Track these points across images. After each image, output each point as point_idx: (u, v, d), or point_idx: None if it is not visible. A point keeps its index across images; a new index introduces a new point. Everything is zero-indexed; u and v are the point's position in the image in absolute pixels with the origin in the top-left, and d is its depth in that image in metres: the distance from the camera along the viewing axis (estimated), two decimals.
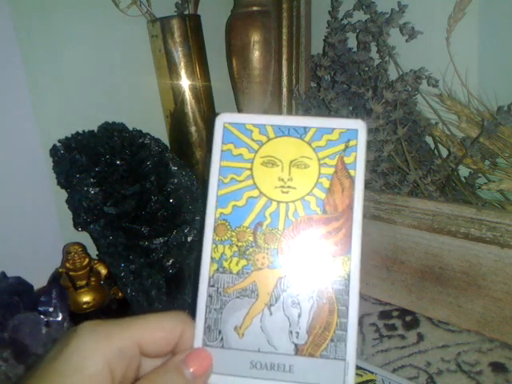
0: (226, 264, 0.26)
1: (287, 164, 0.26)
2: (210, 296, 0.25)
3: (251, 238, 0.26)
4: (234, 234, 0.26)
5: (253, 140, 0.27)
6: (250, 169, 0.27)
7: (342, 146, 0.26)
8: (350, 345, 0.24)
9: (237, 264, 0.26)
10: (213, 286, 0.25)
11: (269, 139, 0.27)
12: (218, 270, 0.26)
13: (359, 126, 0.26)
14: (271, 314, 0.25)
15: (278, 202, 0.26)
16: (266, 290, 0.25)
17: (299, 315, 0.25)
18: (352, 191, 0.26)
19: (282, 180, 0.26)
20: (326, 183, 0.26)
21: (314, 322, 0.24)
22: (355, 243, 0.25)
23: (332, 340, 0.24)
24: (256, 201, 0.26)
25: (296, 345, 0.24)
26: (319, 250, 0.25)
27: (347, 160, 0.26)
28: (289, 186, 0.26)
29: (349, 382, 0.24)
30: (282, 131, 0.27)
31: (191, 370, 0.24)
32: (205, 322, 0.25)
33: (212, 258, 0.26)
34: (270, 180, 0.26)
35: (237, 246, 0.26)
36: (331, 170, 0.26)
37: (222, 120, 0.27)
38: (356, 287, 0.25)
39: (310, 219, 0.26)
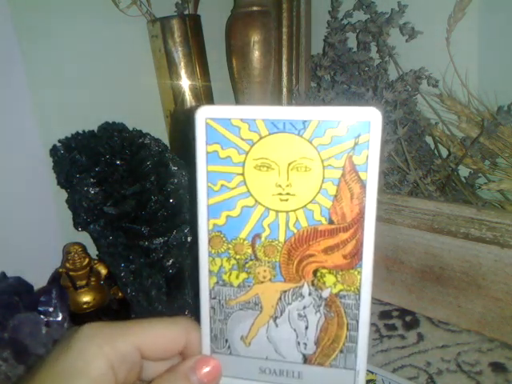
0: (225, 277, 0.24)
1: (285, 167, 0.23)
2: (212, 308, 0.24)
3: (250, 251, 0.24)
4: (230, 246, 0.24)
5: (242, 139, 0.23)
6: (242, 174, 0.23)
7: (351, 143, 0.22)
8: (361, 355, 0.23)
9: (237, 277, 0.24)
10: (214, 298, 0.24)
11: (261, 137, 0.22)
12: (217, 282, 0.24)
13: (372, 116, 0.21)
14: (277, 325, 0.24)
15: (277, 212, 0.23)
16: (270, 303, 0.24)
17: (306, 327, 0.24)
18: (363, 198, 0.22)
19: (280, 186, 0.23)
20: (332, 189, 0.22)
21: (322, 334, 0.24)
22: (367, 256, 0.23)
23: (341, 351, 0.23)
24: (252, 210, 0.23)
25: (304, 355, 0.24)
26: (325, 263, 0.23)
27: (357, 160, 0.22)
28: (288, 193, 0.23)
29: None
30: (277, 126, 0.22)
31: (199, 377, 0.24)
32: (211, 332, 0.25)
33: (210, 271, 0.24)
34: (266, 186, 0.23)
35: (235, 258, 0.24)
36: (338, 174, 0.22)
37: (204, 115, 0.23)
38: (367, 301, 0.23)
39: (313, 230, 0.23)
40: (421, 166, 0.56)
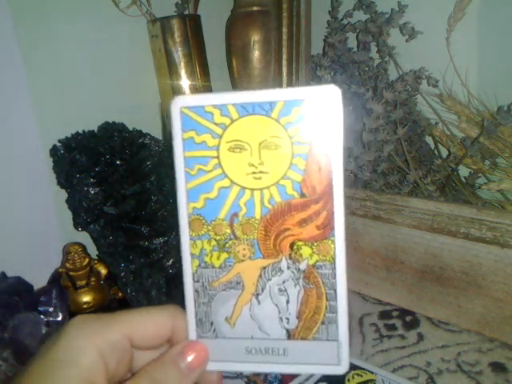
0: (207, 259, 0.25)
1: (256, 147, 0.24)
2: (196, 291, 0.25)
3: (229, 231, 0.25)
4: (210, 227, 0.25)
5: (215, 124, 0.24)
6: (217, 157, 0.24)
7: (315, 119, 0.23)
8: (342, 325, 0.24)
9: (218, 258, 0.25)
10: (198, 281, 0.25)
11: (232, 121, 0.24)
12: (200, 265, 0.25)
13: (332, 92, 0.23)
14: (259, 302, 0.25)
15: (252, 190, 0.24)
16: (251, 281, 0.25)
17: (287, 302, 0.24)
18: (330, 169, 0.23)
19: (253, 165, 0.24)
20: (301, 163, 0.24)
21: (302, 307, 0.24)
22: (338, 224, 0.23)
23: (323, 323, 0.24)
24: (228, 191, 0.24)
25: (287, 330, 0.24)
26: (300, 236, 0.24)
27: (322, 134, 0.23)
28: (261, 171, 0.24)
29: (343, 359, 0.24)
30: (246, 110, 0.24)
31: (187, 362, 0.24)
32: (196, 316, 0.25)
33: (192, 255, 0.25)
34: (240, 167, 0.24)
35: (215, 239, 0.25)
36: (305, 149, 0.23)
37: (178, 104, 0.24)
38: (343, 269, 0.24)
39: (287, 205, 0.24)
40: (421, 165, 0.56)
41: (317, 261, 0.24)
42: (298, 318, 0.24)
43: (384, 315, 0.52)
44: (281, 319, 0.24)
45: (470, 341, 0.46)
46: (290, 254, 0.24)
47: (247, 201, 0.24)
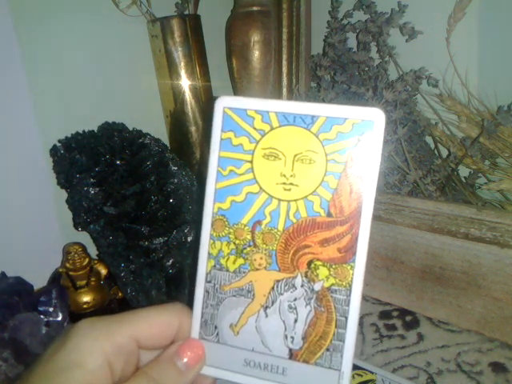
0: (223, 261, 0.25)
1: (291, 158, 0.24)
2: (206, 291, 0.25)
3: (249, 237, 0.24)
4: (231, 230, 0.24)
5: (254, 128, 0.24)
6: (251, 161, 0.24)
7: (355, 140, 0.23)
8: (347, 355, 0.23)
9: (234, 262, 0.25)
10: (210, 281, 0.25)
11: (272, 128, 0.24)
12: (214, 266, 0.25)
13: (376, 116, 0.22)
14: (267, 316, 0.24)
15: (279, 201, 0.24)
16: (263, 292, 0.24)
17: (295, 320, 0.24)
18: (362, 193, 0.23)
19: (284, 176, 0.24)
20: (333, 182, 0.23)
21: (310, 329, 0.24)
22: (360, 251, 0.23)
23: (328, 349, 0.23)
24: (255, 197, 0.24)
25: (290, 349, 0.24)
26: (320, 255, 0.24)
27: (359, 157, 0.23)
28: (291, 183, 0.24)
29: None
30: (287, 119, 0.24)
31: (184, 360, 0.24)
32: (201, 317, 0.25)
33: (209, 254, 0.25)
34: (272, 175, 0.24)
35: (234, 243, 0.24)
36: (340, 168, 0.23)
37: (222, 104, 0.24)
38: (357, 298, 0.23)
39: (312, 221, 0.23)
40: (421, 166, 0.56)
41: (332, 284, 0.23)
42: (303, 339, 0.24)
43: (384, 315, 0.52)
44: (286, 337, 0.24)
45: (470, 341, 0.46)
46: (306, 272, 0.24)
47: (273, 210, 0.24)
